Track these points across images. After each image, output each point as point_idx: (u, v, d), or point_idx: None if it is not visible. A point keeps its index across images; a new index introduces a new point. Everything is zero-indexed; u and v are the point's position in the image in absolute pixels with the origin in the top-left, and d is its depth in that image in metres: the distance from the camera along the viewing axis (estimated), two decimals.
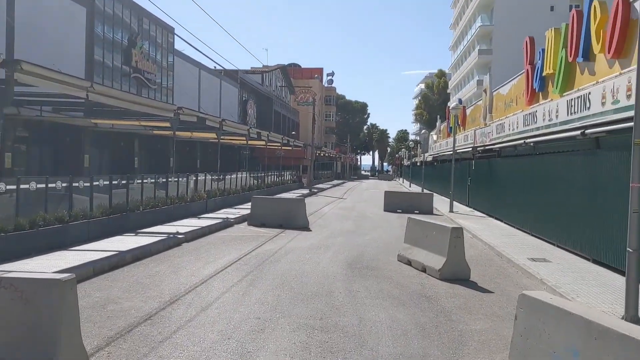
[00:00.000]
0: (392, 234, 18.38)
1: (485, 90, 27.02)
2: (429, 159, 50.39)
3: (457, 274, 11.37)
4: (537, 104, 17.98)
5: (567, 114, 14.32)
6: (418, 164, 65.02)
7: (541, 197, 16.61)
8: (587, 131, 13.07)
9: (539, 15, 61.66)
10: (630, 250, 7.99)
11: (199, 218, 20.18)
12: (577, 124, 13.68)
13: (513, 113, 20.96)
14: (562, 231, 14.69)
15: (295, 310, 8.34)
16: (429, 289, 10.23)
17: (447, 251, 11.39)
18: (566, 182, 14.50)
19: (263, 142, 35.56)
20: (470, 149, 29.00)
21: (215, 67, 44.49)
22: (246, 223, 19.82)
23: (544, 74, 17.17)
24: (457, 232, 11.44)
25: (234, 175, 29.05)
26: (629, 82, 10.79)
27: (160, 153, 34.44)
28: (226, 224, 19.27)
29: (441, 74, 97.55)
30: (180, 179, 21.21)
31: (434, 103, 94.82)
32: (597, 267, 12.32)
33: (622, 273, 11.36)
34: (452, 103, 33.49)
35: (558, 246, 15.24)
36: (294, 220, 18.99)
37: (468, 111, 33.28)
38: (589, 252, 13.06)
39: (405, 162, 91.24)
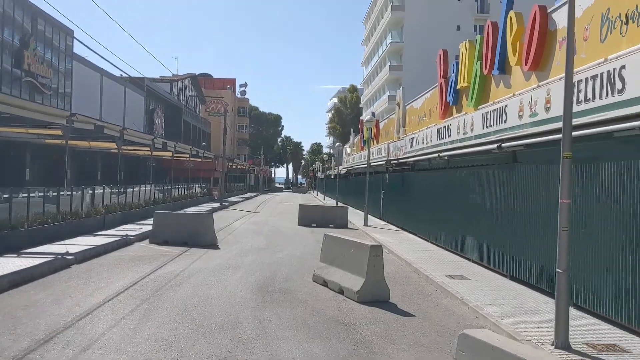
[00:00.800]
0: (307, 250, 17.47)
1: (398, 104, 26.91)
2: (343, 172, 50.23)
3: (376, 295, 10.59)
4: (451, 117, 17.79)
5: (483, 127, 14.08)
6: (332, 177, 64.94)
7: (456, 211, 16.31)
8: (504, 145, 12.82)
9: (446, 34, 63.60)
10: (560, 271, 7.49)
11: (95, 235, 18.32)
12: (493, 138, 13.42)
13: (427, 126, 20.77)
14: (478, 247, 14.37)
15: (195, 348, 7.15)
16: (347, 315, 9.35)
17: (365, 271, 10.59)
18: (482, 197, 14.21)
19: (170, 153, 33.73)
20: (384, 162, 28.79)
21: (121, 74, 42.03)
22: (147, 241, 18.21)
23: (458, 87, 16.99)
24: (376, 251, 10.67)
25: (137, 188, 27.10)
26: (547, 95, 10.53)
27: (56, 164, 31.72)
28: (125, 242, 17.58)
29: (353, 89, 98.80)
30: (74, 192, 19.24)
31: (347, 117, 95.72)
32: (515, 284, 11.98)
33: (541, 291, 11.04)
34: (365, 117, 33.23)
35: (474, 261, 14.93)
36: (200, 237, 17.63)
37: (382, 124, 33.21)
38: (506, 268, 12.74)
39: (320, 175, 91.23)
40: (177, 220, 18.32)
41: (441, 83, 18.83)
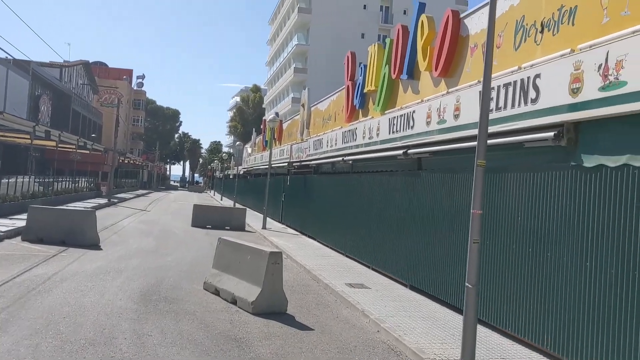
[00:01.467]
0: (200, 254, 16.32)
1: (303, 105, 26.35)
2: (243, 172, 49.03)
3: (273, 306, 9.78)
4: (357, 121, 17.41)
5: (389, 133, 13.72)
6: (231, 176, 63.43)
7: (359, 217, 15.89)
8: (410, 151, 12.50)
9: (352, 40, 64.27)
10: (469, 285, 7.06)
11: None
12: (399, 143, 13.08)
13: (332, 129, 20.31)
14: (379, 254, 14.00)
15: None
16: (240, 329, 8.45)
17: (263, 280, 9.75)
18: (385, 203, 13.85)
19: (53, 143, 31.00)
20: (287, 164, 28.11)
21: (6, 57, 38.24)
22: (20, 238, 16.25)
23: (365, 90, 16.62)
24: (276, 258, 9.86)
25: (13, 179, 24.50)
26: (457, 102, 10.26)
27: None
28: None
29: (256, 89, 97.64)
30: None
31: (248, 117, 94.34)
32: (416, 295, 11.66)
33: (442, 302, 10.75)
34: (268, 116, 32.40)
35: (374, 269, 14.54)
36: (80, 235, 15.95)
37: (285, 125, 32.54)
38: (406, 277, 12.41)
39: (218, 175, 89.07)
40: (54, 216, 16.49)
41: (348, 85, 18.42)
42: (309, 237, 22.02)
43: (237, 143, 46.18)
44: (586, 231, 6.83)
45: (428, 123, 11.47)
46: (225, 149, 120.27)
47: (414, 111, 12.34)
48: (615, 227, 6.41)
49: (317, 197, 21.10)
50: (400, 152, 12.76)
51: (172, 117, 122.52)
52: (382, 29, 68.87)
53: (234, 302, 10.16)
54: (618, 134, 6.61)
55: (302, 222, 23.66)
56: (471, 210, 7.12)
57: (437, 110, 11.06)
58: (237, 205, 40.16)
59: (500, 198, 8.68)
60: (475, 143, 9.67)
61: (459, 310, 9.98)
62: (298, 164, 25.58)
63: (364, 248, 15.18)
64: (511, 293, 8.25)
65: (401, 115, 13.08)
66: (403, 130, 12.82)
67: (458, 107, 10.25)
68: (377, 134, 14.65)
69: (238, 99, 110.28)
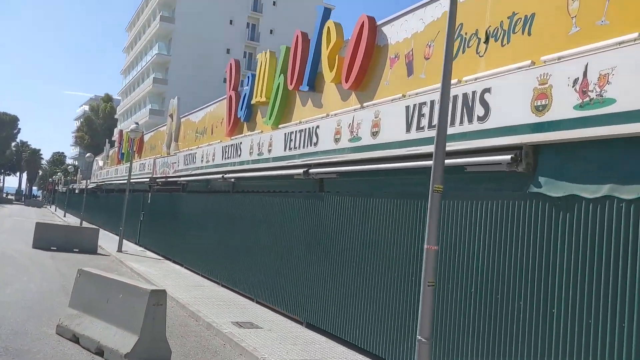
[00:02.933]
0: (47, 284, 13.48)
1: (171, 115, 24.00)
2: (92, 186, 44.52)
3: (153, 357, 7.74)
4: (242, 135, 15.72)
5: (285, 149, 12.25)
6: (77, 191, 57.76)
7: (242, 243, 14.14)
8: (312, 170, 11.12)
9: (216, 55, 62.45)
10: (423, 339, 5.73)
11: None
12: (298, 162, 11.64)
13: (208, 143, 18.36)
14: (268, 286, 12.37)
15: None
16: None
17: (141, 326, 7.68)
18: (277, 228, 12.30)
19: None
20: (148, 179, 25.41)
21: None
22: None
23: (253, 102, 15.03)
24: (158, 298, 7.85)
25: None
26: (376, 117, 9.08)
27: None
28: None
29: (108, 99, 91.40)
30: None
31: (98, 127, 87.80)
32: (315, 335, 10.19)
33: (348, 345, 9.38)
34: (129, 127, 29.45)
35: (260, 303, 12.86)
36: None
37: (146, 137, 29.71)
38: (302, 313, 10.92)
39: (61, 189, 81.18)
40: None
41: (231, 96, 16.68)
42: (175, 262, 19.71)
43: (88, 155, 41.75)
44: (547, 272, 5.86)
45: (337, 140, 10.17)
46: (69, 161, 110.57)
47: (317, 126, 11.00)
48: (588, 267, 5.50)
49: (187, 218, 18.93)
50: (300, 171, 11.33)
51: (9, 123, 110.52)
52: (248, 46, 67.66)
53: (99, 352, 7.97)
54: (594, 161, 5.73)
55: (166, 246, 21.22)
56: (425, 246, 5.85)
57: (349, 127, 9.81)
58: (85, 224, 36.11)
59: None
60: (399, 164, 8.67)
61: (373, 356, 8.71)
62: (163, 180, 23.11)
63: (248, 278, 13.45)
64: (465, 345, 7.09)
65: (301, 131, 11.67)
66: (304, 147, 11.41)
67: (377, 123, 9.07)
68: (269, 150, 13.09)
69: (87, 107, 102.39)
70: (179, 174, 20.33)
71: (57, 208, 71.45)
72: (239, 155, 15.03)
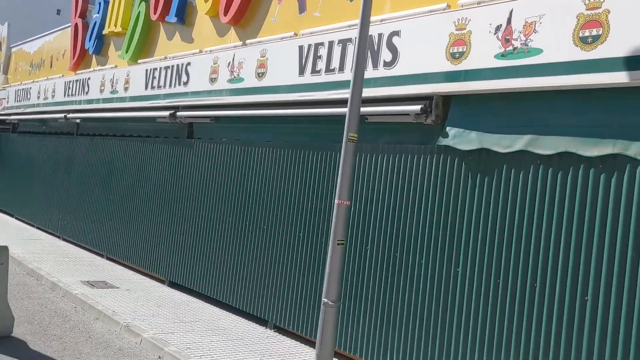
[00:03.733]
0: None
1: (0, 44, 20.59)
2: None
3: None
4: (91, 69, 13.74)
5: (147, 88, 10.78)
6: None
7: (87, 192, 12.54)
8: (181, 113, 9.92)
9: None
10: (329, 302, 5.16)
11: None
12: (163, 102, 10.32)
13: (47, 77, 15.93)
14: (121, 241, 11.09)
15: None
16: None
17: None
18: (133, 177, 11.00)
19: None
20: None
21: None
22: None
23: (105, 32, 13.11)
24: (0, 256, 6.40)
25: None
26: (262, 57, 8.14)
27: None
28: None
29: None
30: None
31: None
32: (182, 295, 9.29)
33: (219, 304, 8.65)
34: None
35: (112, 259, 11.56)
36: None
37: None
38: (164, 271, 9.92)
39: None
40: None
41: (76, 24, 14.44)
42: (3, 212, 17.25)
43: None
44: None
45: (213, 80, 9.07)
46: None
47: (188, 63, 9.75)
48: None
49: (18, 163, 16.51)
50: (166, 113, 10.06)
51: None
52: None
53: None
54: (509, 114, 5.45)
55: None
56: (335, 201, 5.22)
57: (229, 65, 8.76)
58: None
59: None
60: (287, 111, 7.89)
61: (244, 314, 8.12)
62: None
63: (97, 233, 11.98)
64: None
65: (167, 67, 10.32)
66: (170, 86, 10.11)
67: (264, 63, 8.15)
68: (126, 88, 11.52)
69: None
70: (9, 111, 17.57)
71: None
72: (86, 93, 13.15)
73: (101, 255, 11.94)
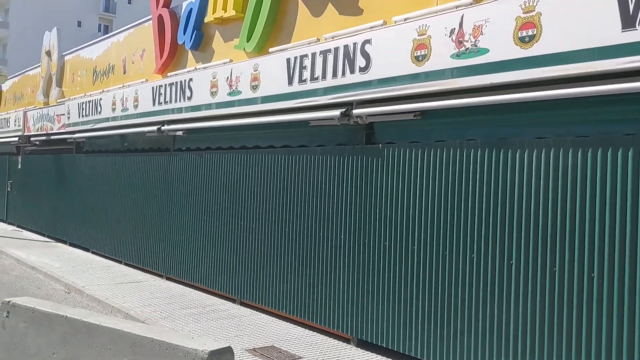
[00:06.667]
0: None
1: (48, 53, 18.12)
2: None
3: None
4: (189, 69, 11.23)
5: (292, 83, 8.17)
6: None
7: (188, 218, 10.04)
8: (358, 111, 7.32)
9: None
10: None
11: None
12: (327, 99, 7.69)
13: (122, 84, 13.44)
14: (261, 282, 8.55)
15: None
16: None
17: None
18: (286, 198, 8.45)
19: None
20: (17, 138, 19.46)
21: None
22: None
23: (207, 20, 10.59)
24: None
25: None
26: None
27: None
28: None
29: None
30: None
31: None
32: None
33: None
34: None
35: (245, 304, 9.01)
36: None
37: (7, 85, 23.13)
38: (350, 328, 7.34)
39: None
40: None
41: (160, 16, 11.93)
42: (73, 245, 14.90)
43: None
44: None
45: (420, 58, 6.44)
46: None
47: (367, 41, 7.11)
48: None
49: (91, 189, 14.09)
50: (334, 112, 7.48)
51: None
52: (103, 18, 58.41)
53: None
54: None
55: (53, 223, 16.16)
56: None
57: (456, 34, 6.14)
58: None
59: None
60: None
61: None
62: (44, 138, 17.54)
63: (222, 271, 9.47)
64: None
65: (326, 51, 7.67)
66: (336, 76, 7.48)
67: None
68: (254, 87, 8.92)
69: None
70: (74, 128, 15.10)
71: None
72: (189, 98, 10.57)
73: (232, 300, 9.43)
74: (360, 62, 7.12)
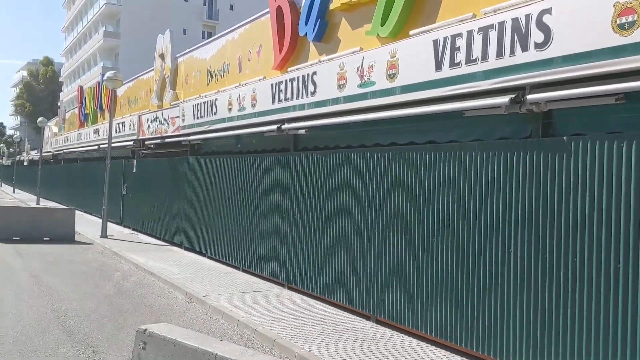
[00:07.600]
0: (30, 312, 8.10)
1: (162, 56, 18.15)
2: (50, 155, 37.84)
3: None
4: (311, 62, 10.38)
5: (441, 68, 7.04)
6: (26, 163, 50.65)
7: (315, 222, 9.09)
8: (532, 97, 6.04)
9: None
10: None
11: None
12: (489, 84, 6.48)
13: (239, 83, 12.87)
14: (408, 299, 7.43)
15: None
16: None
17: None
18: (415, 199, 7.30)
19: None
20: (132, 142, 19.67)
21: None
22: None
23: (332, 7, 9.69)
24: None
25: None
26: None
27: None
28: None
29: (48, 62, 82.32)
30: None
31: (39, 93, 79.16)
32: None
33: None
34: (105, 76, 23.79)
35: (382, 322, 7.91)
36: None
37: (121, 91, 23.64)
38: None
39: (3, 161, 72.82)
40: None
41: (279, 8, 11.19)
42: (188, 249, 14.52)
43: (40, 119, 34.27)
44: None
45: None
46: (10, 132, 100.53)
47: (545, 10, 5.83)
48: None
49: (202, 188, 13.63)
50: (498, 100, 6.25)
51: None
52: (206, 25, 59.97)
53: None
54: None
55: (168, 227, 15.93)
56: None
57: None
58: (43, 202, 30.17)
59: None
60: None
61: None
62: (158, 141, 17.49)
63: (357, 283, 8.43)
64: None
65: (486, 28, 6.48)
66: (502, 55, 6.25)
67: None
68: (391, 75, 7.84)
69: (25, 73, 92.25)
70: (189, 130, 14.78)
71: (2, 183, 63.49)
72: (312, 94, 9.69)
73: (365, 317, 8.39)
74: (536, 37, 5.86)
